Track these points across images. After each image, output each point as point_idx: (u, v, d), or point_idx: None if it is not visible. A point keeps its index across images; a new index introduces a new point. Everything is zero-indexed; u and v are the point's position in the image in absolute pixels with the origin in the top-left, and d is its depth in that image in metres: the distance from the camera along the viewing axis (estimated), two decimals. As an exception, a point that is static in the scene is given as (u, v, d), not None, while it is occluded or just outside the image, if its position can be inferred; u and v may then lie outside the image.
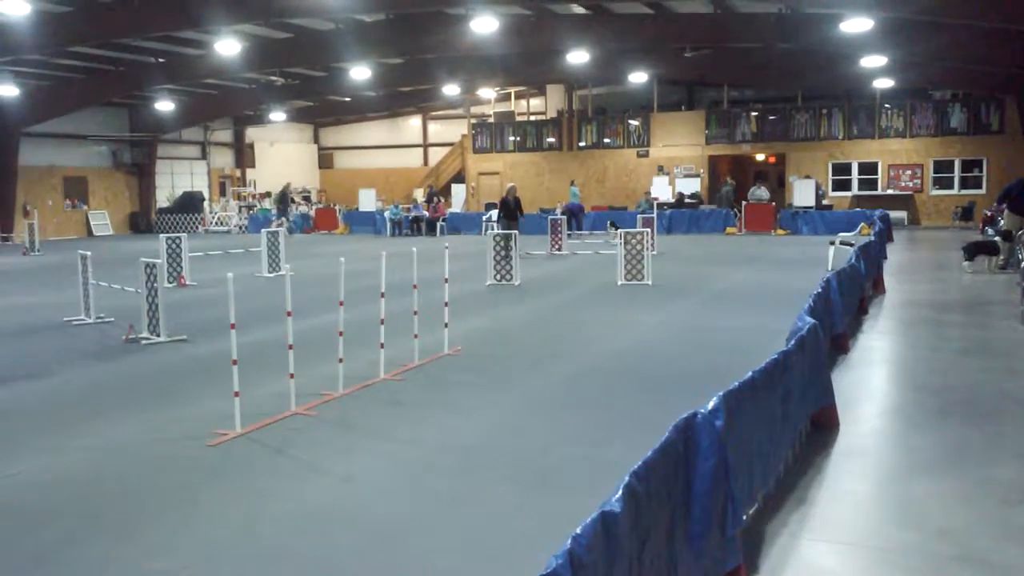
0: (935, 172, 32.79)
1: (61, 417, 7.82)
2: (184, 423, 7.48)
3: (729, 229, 29.96)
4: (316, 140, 49.44)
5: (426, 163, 46.57)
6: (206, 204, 39.54)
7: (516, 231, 17.97)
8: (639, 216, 24.75)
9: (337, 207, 37.79)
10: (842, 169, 33.84)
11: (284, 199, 34.91)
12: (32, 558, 4.86)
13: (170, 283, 16.40)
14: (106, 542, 5.05)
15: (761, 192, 30.57)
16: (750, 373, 5.16)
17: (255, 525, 5.27)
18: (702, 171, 35.79)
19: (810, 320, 6.85)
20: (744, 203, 30.15)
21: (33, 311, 14.32)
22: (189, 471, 6.31)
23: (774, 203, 30.40)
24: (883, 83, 29.48)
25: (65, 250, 24.96)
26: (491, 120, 41.06)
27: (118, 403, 8.30)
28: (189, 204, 38.67)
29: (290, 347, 7.70)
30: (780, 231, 29.04)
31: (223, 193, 42.50)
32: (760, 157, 36.27)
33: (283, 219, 33.36)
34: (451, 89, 35.90)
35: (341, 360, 8.46)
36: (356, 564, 4.71)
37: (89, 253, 13.25)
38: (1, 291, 17.42)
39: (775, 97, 35.67)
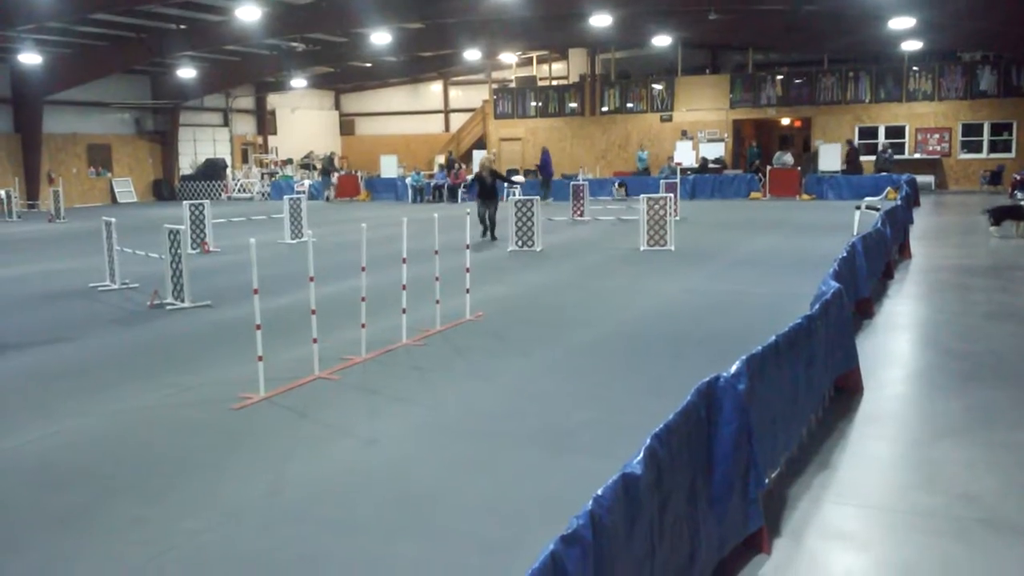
0: (963, 136, 32.26)
1: (88, 381, 7.92)
2: (209, 387, 7.55)
3: (753, 194, 29.69)
4: (337, 106, 49.33)
5: (447, 129, 46.36)
6: (228, 171, 39.67)
7: (494, 209, 18.11)
8: (662, 181, 24.56)
9: (359, 174, 37.79)
10: (869, 133, 33.36)
11: (331, 164, 35.44)
12: (64, 517, 4.94)
13: (194, 249, 16.49)
14: (135, 503, 5.12)
15: (786, 157, 30.23)
16: (773, 337, 5.12)
17: (280, 487, 5.33)
18: (726, 135, 35.41)
19: (835, 284, 6.79)
20: (768, 168, 29.84)
21: (59, 277, 14.47)
22: (214, 434, 6.37)
23: (799, 168, 30.06)
24: (911, 45, 28.94)
25: (90, 217, 25.14)
26: (513, 85, 40.76)
27: (144, 368, 8.39)
28: (212, 171, 38.83)
29: (313, 312, 7.73)
30: (805, 196, 28.74)
31: (245, 160, 42.57)
32: (785, 121, 35.83)
33: (331, 187, 34.07)
34: (472, 54, 35.63)
35: (364, 325, 8.49)
36: (379, 525, 4.74)
37: (114, 220, 13.34)
38: (28, 258, 17.61)
39: (801, 60, 35.13)
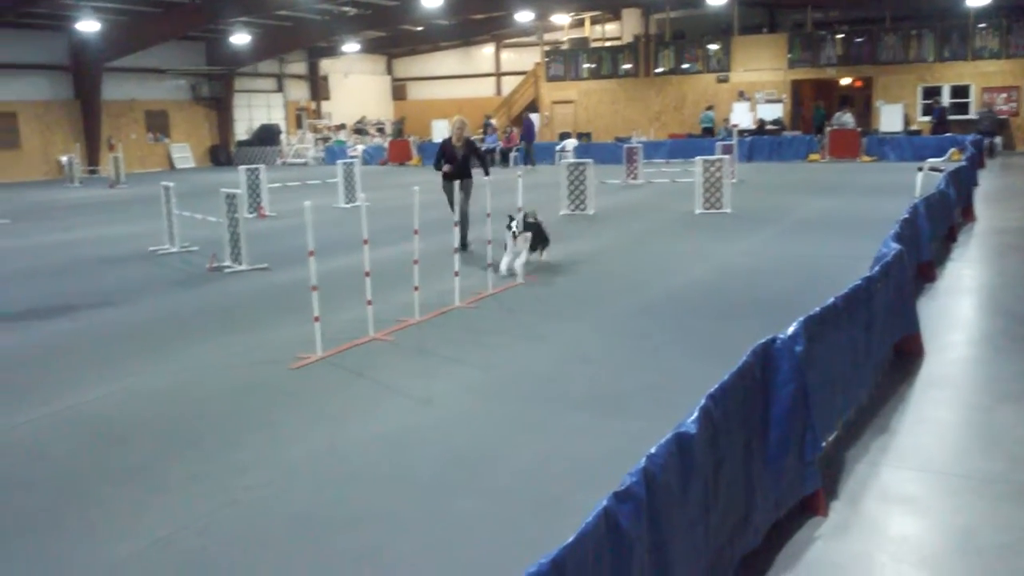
0: (1033, 94, 31.14)
1: (150, 341, 8.11)
2: (267, 347, 7.68)
3: (812, 156, 29.07)
4: (389, 71, 49.34)
5: (499, 92, 46.11)
6: (283, 136, 40.04)
7: (466, 196, 12.38)
8: (718, 143, 24.18)
9: (411, 139, 37.84)
10: (932, 93, 32.37)
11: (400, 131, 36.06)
12: (127, 471, 5.09)
13: (250, 214, 16.71)
14: (194, 459, 5.25)
15: (846, 117, 29.51)
16: (832, 299, 5.03)
17: (336, 445, 5.41)
18: (784, 96, 34.66)
19: (896, 246, 6.63)
20: (828, 129, 29.17)
21: (120, 241, 14.79)
22: (272, 393, 6.49)
23: (860, 129, 29.33)
24: (977, 0, 27.90)
25: (149, 182, 25.61)
26: (565, 47, 40.32)
27: (204, 328, 8.56)
28: (267, 136, 39.22)
29: (367, 275, 7.79)
30: (866, 158, 28.06)
31: (299, 125, 42.90)
32: (845, 81, 34.92)
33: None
34: (524, 16, 35.28)
35: (417, 288, 8.55)
36: (434, 483, 4.80)
37: (172, 185, 13.56)
38: (89, 222, 18.03)
39: (862, 18, 34.12)
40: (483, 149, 32.16)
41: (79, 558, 4.12)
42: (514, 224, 10.10)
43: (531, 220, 10.72)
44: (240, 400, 6.38)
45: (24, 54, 31.78)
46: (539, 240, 10.98)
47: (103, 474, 5.08)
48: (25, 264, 12.85)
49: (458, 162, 12.28)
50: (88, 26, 29.02)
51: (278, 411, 6.09)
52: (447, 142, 12.56)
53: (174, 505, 4.63)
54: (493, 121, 34.68)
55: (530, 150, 31.68)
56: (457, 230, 9.71)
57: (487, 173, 11.72)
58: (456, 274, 9.15)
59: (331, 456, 5.25)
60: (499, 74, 46.76)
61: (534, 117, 38.54)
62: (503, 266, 10.31)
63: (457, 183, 11.56)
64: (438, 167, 12.55)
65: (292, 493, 4.75)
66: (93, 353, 7.79)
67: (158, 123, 37.32)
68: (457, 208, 10.72)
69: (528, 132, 32.11)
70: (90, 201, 23.47)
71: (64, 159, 31.19)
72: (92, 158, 33.63)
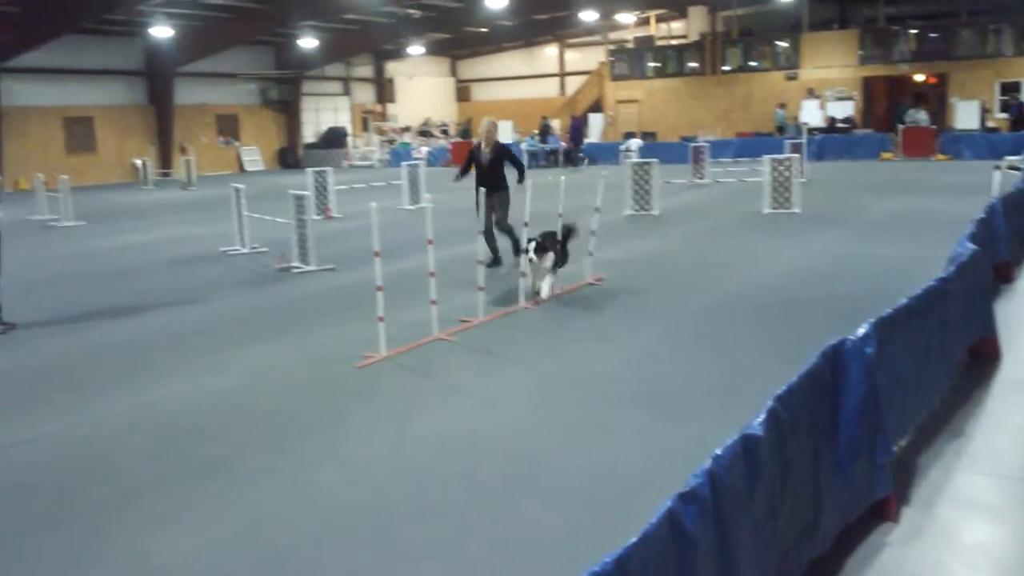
0: (1118, 89, 29.99)
1: (222, 339, 8.30)
2: (333, 346, 7.80)
3: (885, 155, 28.39)
4: (453, 73, 49.66)
5: (563, 92, 46.05)
6: (349, 139, 40.58)
7: (503, 209, 10.95)
8: (787, 142, 23.79)
9: (474, 140, 38.03)
10: (1011, 88, 31.33)
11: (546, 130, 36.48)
12: (202, 465, 5.23)
13: (317, 215, 16.97)
14: (267, 455, 5.36)
15: (920, 115, 28.75)
16: (904, 300, 4.91)
17: (402, 443, 5.47)
18: (855, 94, 33.92)
19: (971, 246, 6.45)
20: (901, 127, 28.47)
21: (192, 242, 15.16)
22: (339, 391, 6.59)
23: (935, 126, 28.55)
24: (1061, -9, 26.98)
25: (219, 185, 26.19)
26: (630, 46, 40.08)
27: (273, 327, 8.73)
28: (333, 139, 39.81)
29: (431, 275, 7.86)
30: (940, 156, 27.31)
31: (365, 128, 43.44)
32: (919, 78, 34.03)
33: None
34: (589, 15, 35.19)
35: (481, 288, 8.60)
36: (497, 483, 4.82)
37: (242, 187, 13.85)
38: (163, 223, 18.52)
39: (936, 13, 33.24)
40: (547, 149, 32.65)
41: (159, 548, 4.24)
42: (531, 248, 9.08)
43: (551, 235, 9.52)
44: (309, 398, 6.49)
45: (101, 60, 32.81)
46: (561, 258, 9.74)
47: (179, 467, 5.23)
48: (102, 264, 13.26)
49: (484, 169, 10.86)
50: (162, 32, 29.84)
51: (345, 409, 6.18)
52: (475, 152, 11.22)
53: (249, 498, 4.74)
54: (553, 122, 34.67)
55: (576, 151, 31.84)
56: (481, 239, 9.31)
57: (521, 180, 10.56)
58: (522, 274, 9.16)
59: (397, 453, 5.31)
60: (563, 74, 46.70)
61: (598, 117, 38.45)
62: (544, 291, 9.23)
63: (484, 191, 10.14)
64: (459, 177, 11.48)
65: (360, 488, 4.82)
66: (169, 351, 8.00)
67: (228, 127, 38.16)
68: (482, 215, 9.82)
69: (575, 133, 32.22)
70: (163, 203, 24.11)
71: (138, 162, 32.11)
72: (165, 161, 34.55)
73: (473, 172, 11.21)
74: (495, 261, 11.11)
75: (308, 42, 35.16)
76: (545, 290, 9.25)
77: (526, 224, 9.13)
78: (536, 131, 35.05)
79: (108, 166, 33.59)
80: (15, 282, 10.09)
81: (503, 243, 11.28)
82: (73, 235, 17.32)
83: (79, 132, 32.62)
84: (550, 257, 9.25)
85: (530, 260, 9.14)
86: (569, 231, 9.85)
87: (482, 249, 9.41)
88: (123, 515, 4.61)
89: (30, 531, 4.46)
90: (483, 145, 11.04)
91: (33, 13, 27.11)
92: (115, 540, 4.34)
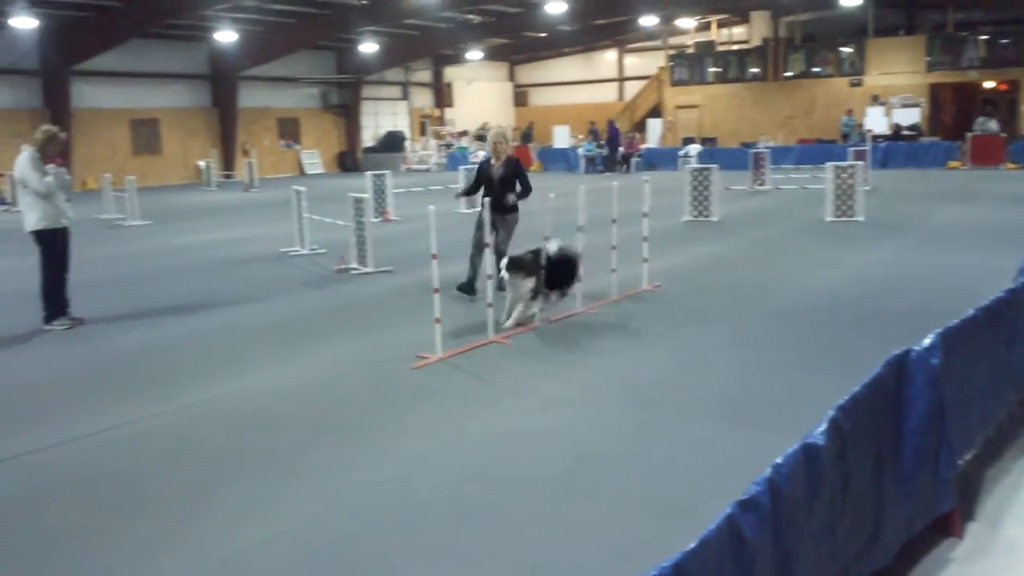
0: None
1: (282, 338, 8.43)
2: (390, 347, 7.86)
3: (952, 163, 27.75)
4: (511, 78, 49.82)
5: (621, 98, 45.89)
6: (407, 143, 40.95)
7: (505, 229, 9.52)
8: (850, 149, 23.38)
9: (531, 144, 38.06)
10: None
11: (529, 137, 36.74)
12: (267, 459, 5.34)
13: (376, 218, 17.15)
14: (325, 450, 5.44)
15: (990, 123, 28.04)
16: (972, 311, 4.78)
17: (457, 444, 5.50)
18: (922, 100, 33.19)
19: (1043, 256, 6.26)
20: (969, 135, 27.79)
21: (254, 243, 15.43)
22: (396, 391, 6.64)
23: (1004, 135, 27.81)
24: None
25: (280, 187, 26.61)
26: (690, 51, 39.79)
27: (331, 327, 8.84)
28: (392, 143, 40.22)
29: (489, 278, 7.88)
30: (1010, 165, 26.60)
31: (423, 132, 43.79)
32: (989, 85, 33.18)
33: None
34: (648, 20, 35.01)
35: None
36: (552, 486, 4.81)
37: (303, 189, 14.06)
38: (226, 224, 18.89)
39: (1007, 18, 32.35)
40: (604, 153, 32.54)
41: (232, 536, 4.35)
42: (503, 264, 8.26)
43: (530, 256, 8.41)
44: (366, 396, 6.55)
45: (167, 64, 33.61)
46: (557, 282, 8.49)
47: (248, 459, 5.35)
48: (166, 263, 13.57)
49: (495, 188, 9.42)
50: (226, 37, 30.47)
51: (402, 408, 6.23)
52: (484, 163, 9.86)
53: (310, 492, 4.81)
54: (599, 128, 34.59)
55: (614, 156, 32.00)
56: (471, 278, 8.98)
57: (521, 197, 9.53)
58: (579, 279, 9.12)
59: (453, 453, 5.34)
60: (621, 79, 46.55)
61: (656, 123, 38.20)
62: (509, 320, 8.34)
63: (495, 215, 8.91)
64: (468, 193, 10.22)
65: (415, 487, 4.85)
66: (231, 349, 8.16)
67: (290, 130, 38.78)
68: (477, 234, 9.15)
69: (612, 138, 32.26)
70: (225, 204, 24.59)
71: (202, 164, 32.80)
72: (228, 163, 35.24)
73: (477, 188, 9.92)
74: (470, 287, 9.73)
75: (369, 47, 35.59)
76: (510, 319, 8.31)
77: (580, 229, 9.07)
78: (586, 136, 35.19)
79: (172, 167, 34.37)
80: (83, 279, 10.38)
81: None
82: (139, 234, 17.75)
83: (145, 134, 33.44)
84: (529, 283, 8.24)
85: (501, 277, 8.27)
86: (565, 260, 8.46)
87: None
88: (197, 504, 4.74)
89: (110, 518, 4.61)
90: (493, 160, 9.68)
91: (103, 18, 27.91)
92: (190, 528, 4.46)
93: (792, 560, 2.84)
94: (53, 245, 9.00)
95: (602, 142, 33.34)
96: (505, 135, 9.90)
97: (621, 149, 32.48)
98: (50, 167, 8.88)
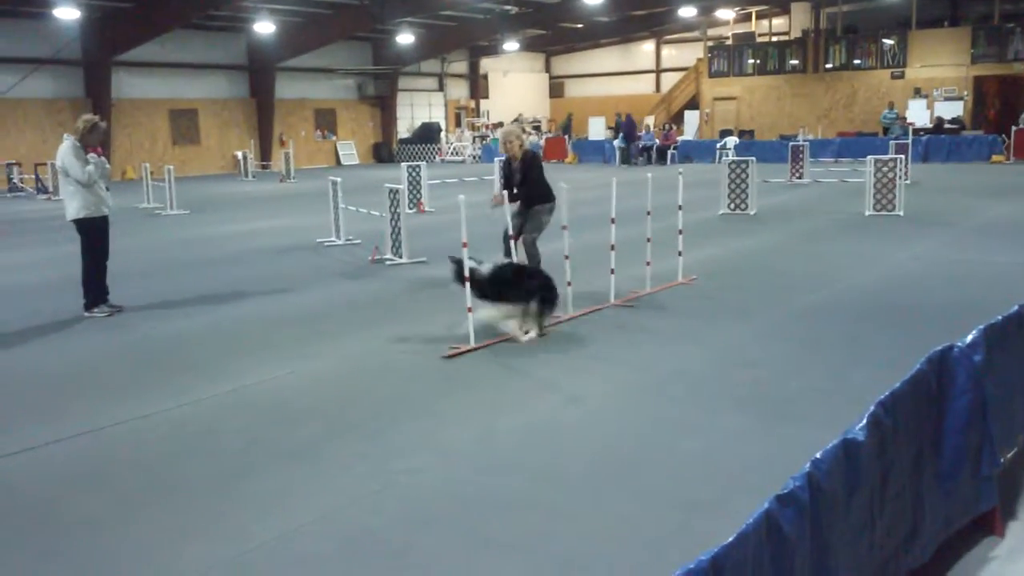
0: None
1: (316, 327, 8.48)
2: (422, 337, 7.87)
3: (995, 157, 27.24)
4: (547, 69, 49.69)
5: (658, 89, 45.62)
6: (442, 134, 41.02)
7: (539, 214, 9.32)
8: (891, 142, 23.04)
9: (566, 136, 37.96)
10: None
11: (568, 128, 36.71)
12: (294, 449, 5.34)
13: (410, 209, 17.19)
14: (356, 441, 5.44)
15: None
16: (1016, 307, 4.68)
17: (489, 434, 5.49)
18: (966, 93, 32.60)
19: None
20: (1014, 129, 27.25)
21: (290, 233, 15.53)
22: (428, 381, 6.65)
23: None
24: None
25: (317, 177, 26.79)
26: (729, 42, 39.41)
27: (365, 317, 8.87)
28: (427, 134, 40.31)
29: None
30: (1055, 160, 26.09)
31: (458, 124, 43.84)
32: (1034, 77, 32.56)
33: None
34: (687, 11, 34.73)
35: (569, 283, 8.56)
36: (585, 479, 4.78)
37: (339, 180, 14.12)
38: (263, 214, 19.03)
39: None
40: (639, 146, 32.36)
41: (256, 526, 4.35)
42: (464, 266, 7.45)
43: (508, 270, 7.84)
44: (398, 387, 6.56)
45: (206, 55, 33.93)
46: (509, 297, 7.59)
47: (274, 449, 5.35)
48: (203, 252, 13.71)
49: (517, 186, 9.28)
50: (264, 27, 30.69)
51: (433, 399, 6.23)
52: (506, 163, 9.66)
53: (336, 484, 4.81)
54: (648, 119, 34.44)
55: (628, 149, 31.88)
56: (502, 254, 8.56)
57: (528, 192, 9.26)
58: (612, 272, 9.08)
59: (484, 445, 5.32)
60: (659, 71, 46.26)
61: (694, 115, 37.90)
62: (530, 334, 7.73)
63: (523, 211, 9.18)
64: (502, 198, 8.82)
65: (446, 478, 4.85)
66: (265, 337, 8.21)
67: (326, 121, 39.00)
68: (512, 221, 8.87)
69: (629, 131, 32.13)
70: (262, 194, 24.79)
71: (239, 154, 33.10)
72: (265, 154, 35.53)
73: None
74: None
75: (405, 38, 35.67)
76: (526, 336, 7.70)
77: (612, 221, 9.01)
78: (652, 125, 35.14)
79: (210, 157, 34.72)
80: (122, 267, 10.51)
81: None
82: (177, 223, 17.95)
83: (184, 124, 33.80)
84: (503, 308, 7.62)
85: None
86: (502, 277, 7.65)
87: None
88: (222, 493, 4.75)
89: (137, 505, 4.64)
90: (512, 152, 9.46)
91: (143, 8, 28.23)
92: (215, 517, 4.47)
93: (830, 556, 2.80)
94: (93, 233, 9.12)
95: (645, 134, 33.22)
96: (515, 133, 9.66)
97: (641, 143, 32.34)
98: (91, 156, 8.99)
